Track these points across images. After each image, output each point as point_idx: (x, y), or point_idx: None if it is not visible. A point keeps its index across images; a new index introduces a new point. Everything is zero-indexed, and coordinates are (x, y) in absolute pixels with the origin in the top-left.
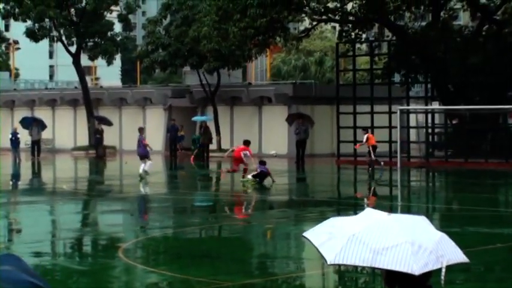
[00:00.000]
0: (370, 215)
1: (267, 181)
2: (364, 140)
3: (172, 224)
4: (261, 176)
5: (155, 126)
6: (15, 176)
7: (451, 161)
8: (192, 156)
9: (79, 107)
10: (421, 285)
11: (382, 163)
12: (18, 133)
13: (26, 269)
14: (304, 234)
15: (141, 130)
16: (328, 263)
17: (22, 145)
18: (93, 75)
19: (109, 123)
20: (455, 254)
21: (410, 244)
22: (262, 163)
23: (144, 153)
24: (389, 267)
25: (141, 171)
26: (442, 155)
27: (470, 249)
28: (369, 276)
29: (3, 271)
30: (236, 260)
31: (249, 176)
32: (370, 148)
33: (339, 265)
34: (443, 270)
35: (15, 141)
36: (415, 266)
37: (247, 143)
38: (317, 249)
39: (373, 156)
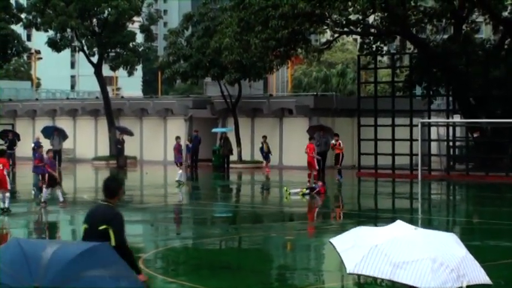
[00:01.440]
0: (397, 227)
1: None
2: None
3: (192, 234)
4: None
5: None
6: (37, 186)
7: (472, 174)
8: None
9: (100, 117)
10: None
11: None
12: (40, 142)
13: (106, 261)
14: (331, 240)
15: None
16: (348, 272)
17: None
18: (114, 86)
19: (130, 133)
20: (477, 274)
21: (432, 261)
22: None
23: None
24: (407, 282)
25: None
26: (463, 168)
27: (491, 263)
28: None
29: (80, 280)
30: (256, 271)
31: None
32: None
33: (358, 275)
34: None
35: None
36: (433, 283)
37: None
38: (339, 255)
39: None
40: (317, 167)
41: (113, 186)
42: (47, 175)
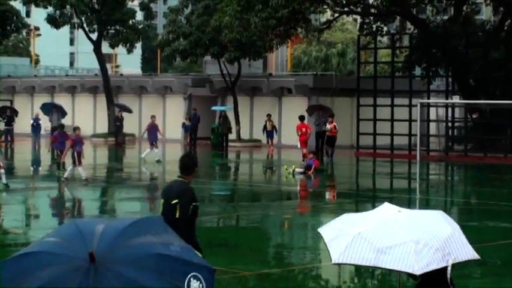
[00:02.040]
0: (382, 211)
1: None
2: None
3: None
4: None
5: (175, 114)
6: (35, 162)
7: (471, 155)
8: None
9: (99, 94)
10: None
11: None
12: (40, 119)
13: (158, 232)
14: (319, 229)
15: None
16: (333, 262)
17: (42, 131)
18: (113, 63)
19: (129, 110)
20: (464, 251)
21: (415, 243)
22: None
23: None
24: (391, 267)
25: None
26: (462, 149)
27: (489, 243)
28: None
29: (131, 248)
30: (253, 249)
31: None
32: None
33: (343, 264)
34: (449, 268)
35: (36, 127)
36: (417, 266)
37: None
38: (326, 246)
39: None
40: (304, 146)
41: (190, 164)
42: (75, 153)
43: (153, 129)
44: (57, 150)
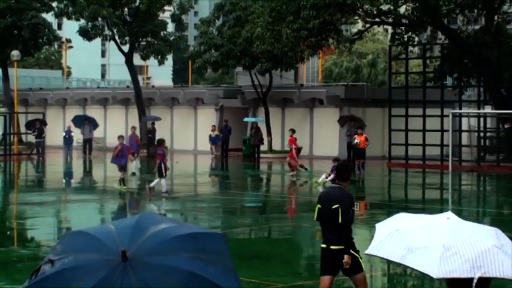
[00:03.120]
0: (434, 216)
1: None
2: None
3: (222, 224)
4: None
5: (207, 126)
6: (67, 174)
7: (503, 165)
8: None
9: (130, 106)
10: None
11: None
12: (72, 131)
13: (204, 250)
14: (376, 224)
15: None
16: (365, 252)
17: (74, 143)
18: (144, 75)
19: (157, 118)
20: (498, 268)
21: (444, 248)
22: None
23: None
24: (413, 266)
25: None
26: (494, 159)
27: None
28: (418, 279)
29: (168, 259)
30: (286, 261)
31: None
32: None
33: (373, 256)
34: (475, 281)
35: (68, 139)
36: (437, 270)
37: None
38: (376, 228)
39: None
40: (297, 160)
41: (346, 171)
42: (162, 165)
43: (132, 140)
44: (118, 165)
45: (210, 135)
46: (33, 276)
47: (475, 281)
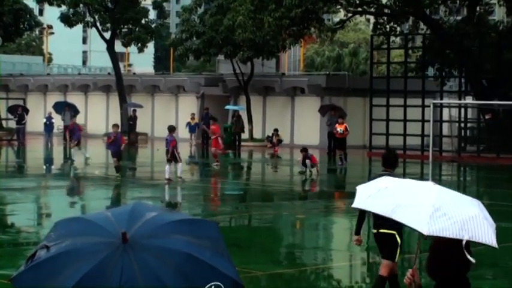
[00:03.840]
0: (418, 181)
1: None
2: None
3: (202, 212)
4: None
5: (188, 114)
6: (47, 161)
7: (483, 156)
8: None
9: (112, 93)
10: (460, 277)
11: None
12: (52, 118)
13: (199, 235)
14: (357, 187)
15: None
16: (352, 205)
17: (55, 130)
18: (126, 62)
19: (139, 105)
20: (483, 234)
21: (434, 208)
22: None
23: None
24: (402, 221)
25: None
26: (474, 149)
27: (502, 244)
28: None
29: (167, 241)
30: (266, 249)
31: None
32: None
33: (361, 209)
34: (464, 241)
35: (49, 125)
36: (427, 227)
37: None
38: (357, 190)
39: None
40: (221, 147)
41: (393, 159)
42: (176, 151)
43: (74, 129)
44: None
45: (188, 123)
46: (28, 261)
47: (463, 242)
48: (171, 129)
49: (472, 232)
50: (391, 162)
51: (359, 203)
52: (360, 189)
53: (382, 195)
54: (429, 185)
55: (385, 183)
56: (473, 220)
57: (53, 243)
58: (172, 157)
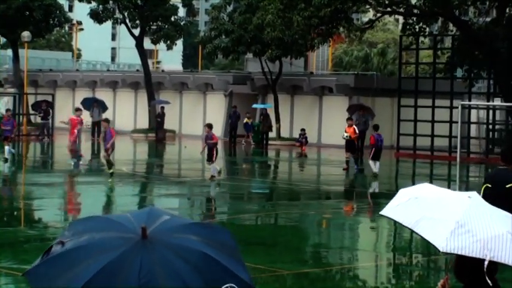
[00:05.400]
0: (457, 192)
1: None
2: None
3: (228, 210)
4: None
5: (215, 112)
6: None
7: None
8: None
9: (140, 89)
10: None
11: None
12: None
13: (212, 239)
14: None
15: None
16: (380, 212)
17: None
18: (154, 59)
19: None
20: (508, 255)
21: (458, 224)
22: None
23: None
24: (423, 235)
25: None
26: None
27: None
28: (423, 270)
29: (183, 239)
30: (291, 248)
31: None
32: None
33: (388, 218)
34: (486, 262)
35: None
36: (445, 243)
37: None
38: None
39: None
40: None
41: (510, 154)
42: (215, 150)
43: (8, 123)
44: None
45: (245, 123)
46: (44, 256)
47: (486, 262)
48: (210, 126)
49: (495, 252)
50: (509, 157)
51: (388, 210)
52: (398, 194)
53: (411, 206)
54: (463, 198)
55: (418, 193)
56: (498, 239)
57: (69, 239)
58: (210, 155)
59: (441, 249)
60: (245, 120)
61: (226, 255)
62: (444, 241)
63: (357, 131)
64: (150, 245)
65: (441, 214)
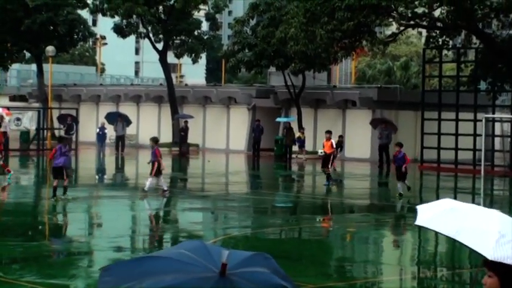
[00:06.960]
0: (484, 208)
1: None
2: None
3: (252, 223)
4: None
5: (239, 125)
6: (100, 171)
7: None
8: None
9: (164, 103)
10: None
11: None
12: (105, 128)
13: (276, 269)
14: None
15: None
16: (415, 223)
17: (107, 140)
18: (178, 73)
19: (189, 116)
20: None
21: (500, 234)
22: None
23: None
24: (467, 244)
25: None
26: None
27: None
28: (448, 283)
29: (255, 273)
30: (316, 262)
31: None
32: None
33: (425, 228)
34: None
35: (101, 136)
36: (492, 252)
37: None
38: (417, 210)
39: None
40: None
41: None
42: (156, 164)
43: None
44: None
45: (297, 138)
46: None
47: None
48: (154, 140)
49: None
50: None
51: (422, 221)
52: (422, 208)
53: (447, 216)
54: (492, 212)
55: (450, 205)
56: None
57: (137, 281)
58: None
59: (489, 257)
60: (297, 135)
61: (289, 283)
62: (491, 250)
63: (334, 145)
64: (230, 283)
65: (480, 224)
